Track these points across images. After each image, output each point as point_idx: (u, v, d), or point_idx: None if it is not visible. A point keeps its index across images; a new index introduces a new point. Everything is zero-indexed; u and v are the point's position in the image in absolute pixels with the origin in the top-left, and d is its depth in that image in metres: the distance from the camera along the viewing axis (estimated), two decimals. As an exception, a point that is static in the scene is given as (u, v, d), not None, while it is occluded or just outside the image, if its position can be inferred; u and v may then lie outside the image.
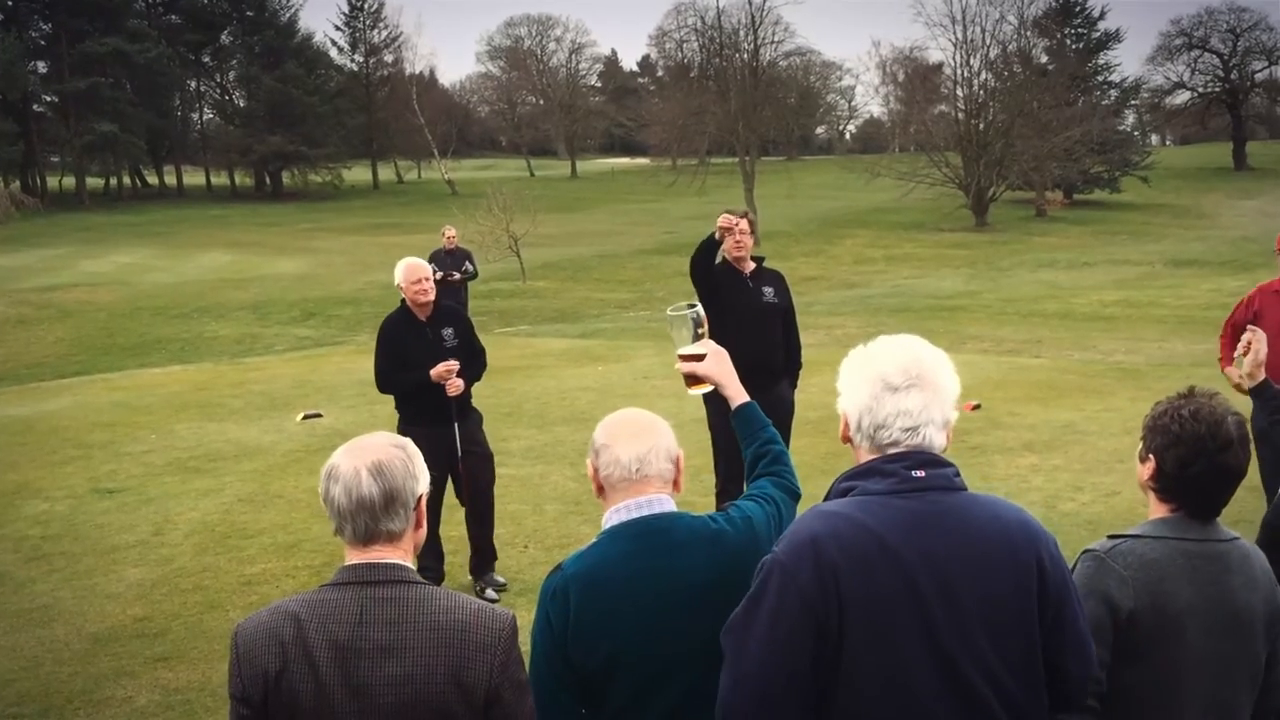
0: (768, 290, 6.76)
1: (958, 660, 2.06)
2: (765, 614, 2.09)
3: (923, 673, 2.06)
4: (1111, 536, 2.50)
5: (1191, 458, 2.43)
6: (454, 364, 6.39)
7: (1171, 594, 2.39)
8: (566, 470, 9.29)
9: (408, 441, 2.30)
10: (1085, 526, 7.16)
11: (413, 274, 6.48)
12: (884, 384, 2.19)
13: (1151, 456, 2.50)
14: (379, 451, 2.23)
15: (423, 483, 2.27)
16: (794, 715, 2.08)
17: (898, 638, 2.06)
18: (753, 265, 6.80)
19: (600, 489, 2.50)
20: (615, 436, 2.47)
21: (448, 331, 6.57)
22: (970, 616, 2.08)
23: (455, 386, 6.41)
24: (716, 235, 6.47)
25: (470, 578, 6.74)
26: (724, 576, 2.33)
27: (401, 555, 2.24)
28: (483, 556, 6.75)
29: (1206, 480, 2.45)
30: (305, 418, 12.15)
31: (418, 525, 2.28)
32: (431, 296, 6.54)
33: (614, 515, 2.45)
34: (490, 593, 6.54)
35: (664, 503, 2.45)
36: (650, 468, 2.43)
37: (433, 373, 6.34)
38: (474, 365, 6.74)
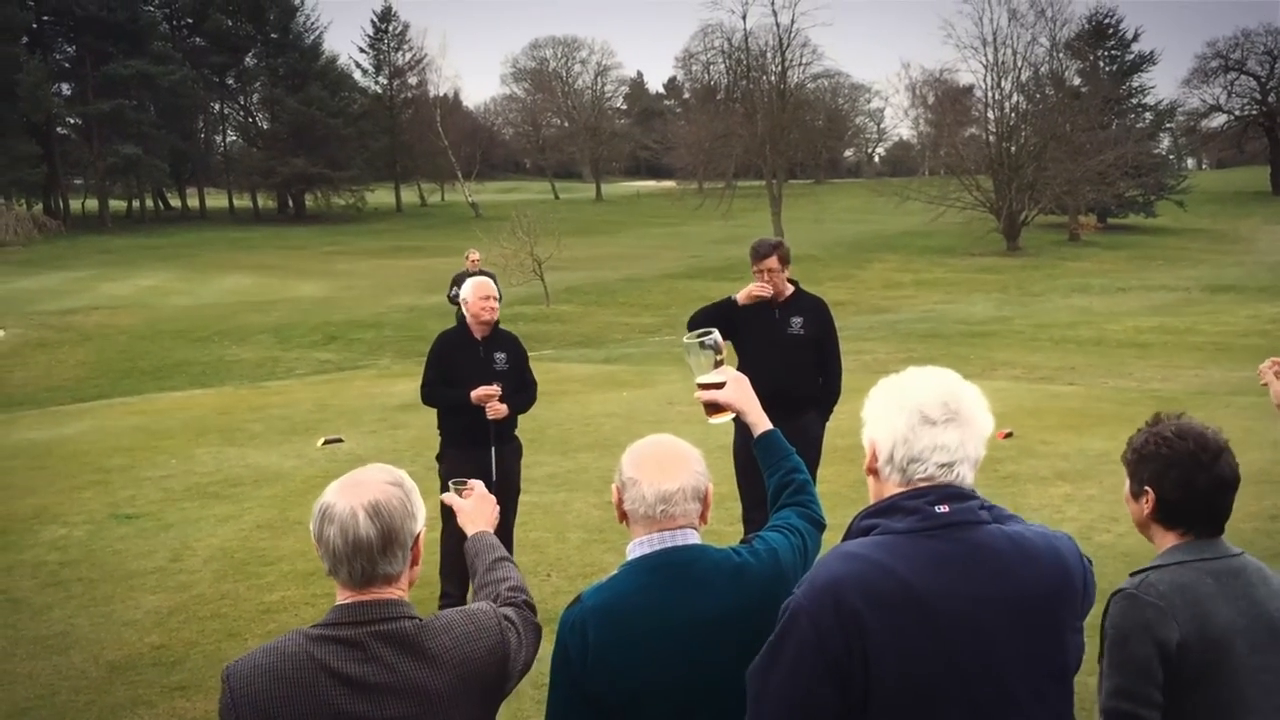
0: (795, 320, 6.47)
1: (995, 709, 2.01)
2: (784, 666, 2.03)
3: (953, 715, 2.00)
4: (1133, 573, 2.45)
5: (1191, 475, 2.43)
6: (495, 389, 6.31)
7: (1212, 614, 2.35)
8: (590, 498, 9.13)
9: (404, 476, 2.22)
10: (1121, 559, 6.79)
11: (481, 290, 6.51)
12: (921, 416, 2.12)
13: (1148, 489, 2.49)
14: (376, 490, 2.14)
15: (420, 520, 2.19)
16: None
17: (932, 693, 1.99)
18: (789, 291, 6.53)
19: (623, 517, 2.44)
20: (643, 471, 2.40)
21: (500, 355, 6.54)
22: (1004, 662, 2.02)
23: (496, 410, 6.33)
24: (740, 300, 6.36)
25: None
26: (747, 611, 2.30)
27: (399, 594, 2.16)
28: None
29: (1209, 494, 2.44)
30: (326, 443, 11.99)
31: (414, 563, 2.20)
32: (494, 317, 6.53)
33: (636, 548, 2.40)
34: None
35: (688, 536, 2.39)
36: (675, 508, 2.37)
37: (473, 395, 6.27)
38: (523, 394, 6.67)
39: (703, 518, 2.44)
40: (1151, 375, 16.04)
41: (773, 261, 6.36)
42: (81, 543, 8.52)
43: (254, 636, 6.34)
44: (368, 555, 2.11)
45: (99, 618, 6.81)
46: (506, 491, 6.52)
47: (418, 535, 2.19)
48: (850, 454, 10.40)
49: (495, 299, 6.53)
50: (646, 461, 2.42)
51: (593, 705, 2.32)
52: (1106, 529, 7.79)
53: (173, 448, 12.20)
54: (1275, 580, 2.48)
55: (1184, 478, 2.44)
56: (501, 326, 6.73)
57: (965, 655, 2.01)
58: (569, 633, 2.36)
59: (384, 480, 2.18)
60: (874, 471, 2.21)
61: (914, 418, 2.13)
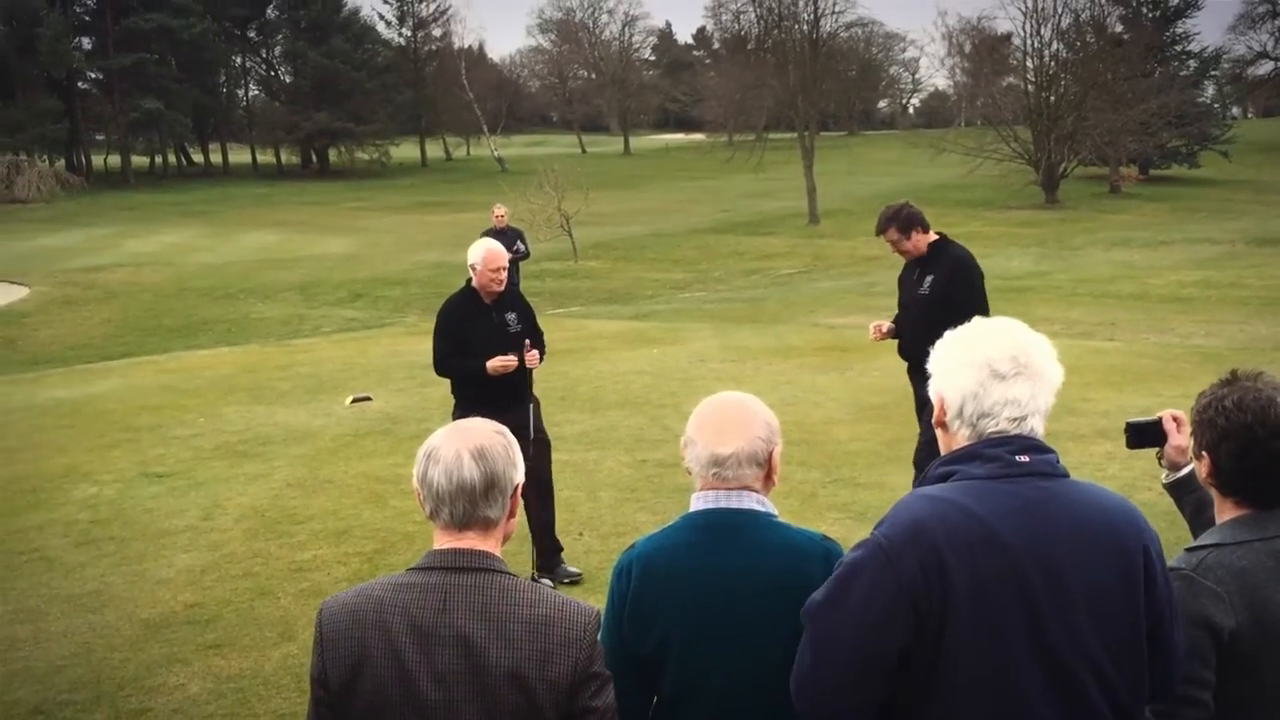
0: (927, 280, 6.39)
1: (1062, 651, 2.02)
2: (858, 596, 2.06)
3: (1026, 662, 2.01)
4: (1191, 549, 2.39)
5: (1244, 450, 2.35)
6: (512, 359, 6.28)
7: (1269, 601, 2.29)
8: (622, 456, 9.12)
9: (505, 429, 2.30)
10: (1163, 518, 6.93)
11: (493, 261, 6.37)
12: (990, 371, 2.13)
13: (1205, 454, 2.43)
14: (481, 436, 2.23)
15: (520, 471, 2.26)
16: (871, 701, 2.08)
17: (1003, 626, 2.01)
18: (928, 248, 6.47)
19: (689, 473, 2.47)
20: (701, 433, 2.41)
21: (511, 316, 6.50)
22: (1075, 606, 2.03)
23: (533, 360, 6.44)
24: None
25: (536, 573, 6.52)
26: (787, 583, 2.30)
27: (493, 544, 2.23)
28: (549, 548, 6.64)
29: (1266, 471, 2.36)
30: (354, 401, 12.01)
31: (511, 514, 2.27)
32: (502, 289, 6.45)
33: (697, 501, 2.43)
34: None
35: (744, 498, 2.40)
36: (728, 471, 2.38)
37: (490, 365, 6.22)
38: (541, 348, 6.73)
39: (768, 479, 2.44)
40: (1195, 330, 15.72)
41: (889, 235, 6.40)
42: (112, 501, 8.56)
43: (286, 595, 6.42)
44: (470, 497, 2.18)
45: (132, 576, 6.88)
46: (540, 445, 6.54)
47: (517, 486, 2.25)
48: (885, 411, 10.14)
49: (506, 269, 6.46)
50: (706, 423, 2.43)
51: (629, 654, 2.36)
52: (1149, 487, 7.44)
53: (200, 406, 12.25)
54: None
55: (1238, 450, 2.36)
56: (522, 286, 6.53)
57: (1040, 598, 2.02)
58: (618, 577, 2.43)
59: (489, 428, 2.26)
60: (943, 425, 2.21)
61: (983, 373, 2.13)
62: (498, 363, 6.20)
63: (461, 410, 6.27)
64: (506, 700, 2.11)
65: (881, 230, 6.41)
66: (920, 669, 2.06)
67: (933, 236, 6.41)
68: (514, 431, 6.23)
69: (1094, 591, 2.05)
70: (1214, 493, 2.49)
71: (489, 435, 2.24)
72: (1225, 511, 2.46)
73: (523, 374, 6.42)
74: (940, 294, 6.20)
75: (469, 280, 6.46)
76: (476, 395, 6.28)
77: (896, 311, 6.83)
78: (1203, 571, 2.32)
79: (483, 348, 6.27)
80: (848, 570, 2.10)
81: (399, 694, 2.12)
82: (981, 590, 2.02)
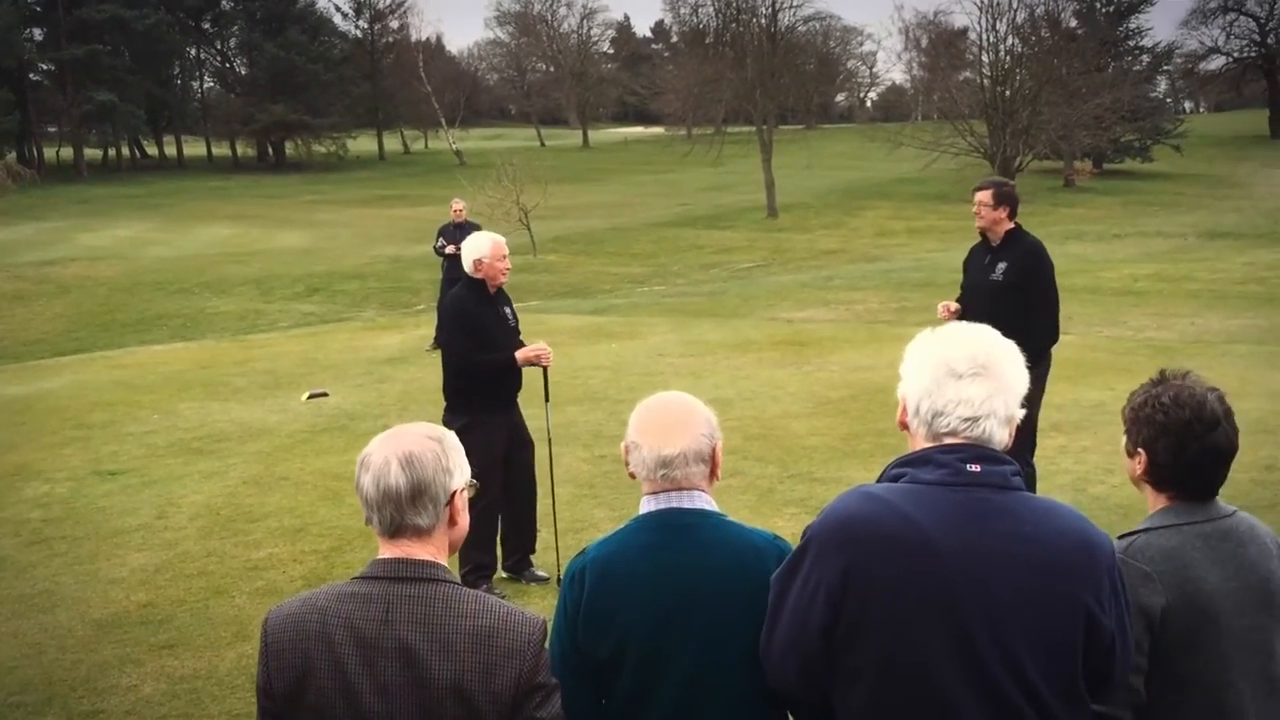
0: (1000, 266, 6.47)
1: (986, 660, 2.02)
2: (798, 581, 2.14)
3: (946, 669, 2.02)
4: (1121, 536, 2.43)
5: (1182, 445, 2.42)
6: (544, 348, 6.23)
7: (1199, 580, 2.35)
8: (579, 452, 9.04)
9: (446, 434, 2.25)
10: (1116, 510, 6.75)
11: (500, 250, 6.27)
12: (948, 369, 2.13)
13: (1141, 450, 2.48)
14: (413, 442, 2.18)
15: (458, 477, 2.21)
16: (805, 678, 2.16)
17: (923, 629, 2.03)
18: (1004, 234, 6.56)
19: (634, 475, 2.46)
20: (644, 435, 2.41)
21: (508, 310, 6.41)
22: (1007, 619, 2.02)
23: (548, 357, 6.32)
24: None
25: (506, 574, 6.50)
26: (742, 582, 2.32)
27: (433, 552, 2.19)
28: (524, 551, 6.53)
29: (1201, 464, 2.43)
30: (311, 397, 11.96)
31: (453, 522, 2.22)
32: (507, 278, 6.39)
33: (646, 503, 2.43)
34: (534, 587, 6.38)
35: (696, 498, 2.41)
36: (676, 471, 2.38)
37: (521, 356, 6.13)
38: None
39: (713, 475, 2.45)
40: (1147, 324, 15.84)
41: (982, 196, 6.48)
42: (64, 500, 8.47)
43: (241, 594, 6.36)
44: (396, 504, 2.14)
45: (84, 576, 6.79)
46: (529, 446, 6.51)
47: (454, 492, 2.20)
48: (842, 405, 10.29)
49: (507, 255, 6.37)
50: (649, 425, 2.42)
51: (584, 660, 2.35)
52: (1101, 480, 7.70)
53: (155, 402, 12.12)
54: (1264, 538, 2.49)
55: (1175, 445, 2.42)
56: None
57: (970, 608, 2.02)
58: (569, 584, 2.40)
59: (423, 434, 2.21)
60: (905, 425, 2.23)
61: (940, 371, 2.13)
62: (530, 352, 6.10)
63: (458, 414, 6.03)
64: (449, 713, 2.08)
65: (980, 189, 6.53)
66: (840, 661, 2.11)
67: (1011, 225, 6.53)
68: (518, 432, 6.23)
69: (1029, 609, 2.04)
70: (1146, 489, 2.53)
71: (420, 441, 2.19)
72: (1156, 505, 2.51)
73: (520, 373, 6.35)
74: (1014, 281, 6.34)
75: (469, 276, 6.27)
76: (486, 395, 6.14)
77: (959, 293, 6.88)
78: (1132, 554, 2.36)
79: (499, 342, 6.17)
80: (794, 556, 2.19)
81: (343, 705, 2.09)
82: (904, 592, 2.03)
